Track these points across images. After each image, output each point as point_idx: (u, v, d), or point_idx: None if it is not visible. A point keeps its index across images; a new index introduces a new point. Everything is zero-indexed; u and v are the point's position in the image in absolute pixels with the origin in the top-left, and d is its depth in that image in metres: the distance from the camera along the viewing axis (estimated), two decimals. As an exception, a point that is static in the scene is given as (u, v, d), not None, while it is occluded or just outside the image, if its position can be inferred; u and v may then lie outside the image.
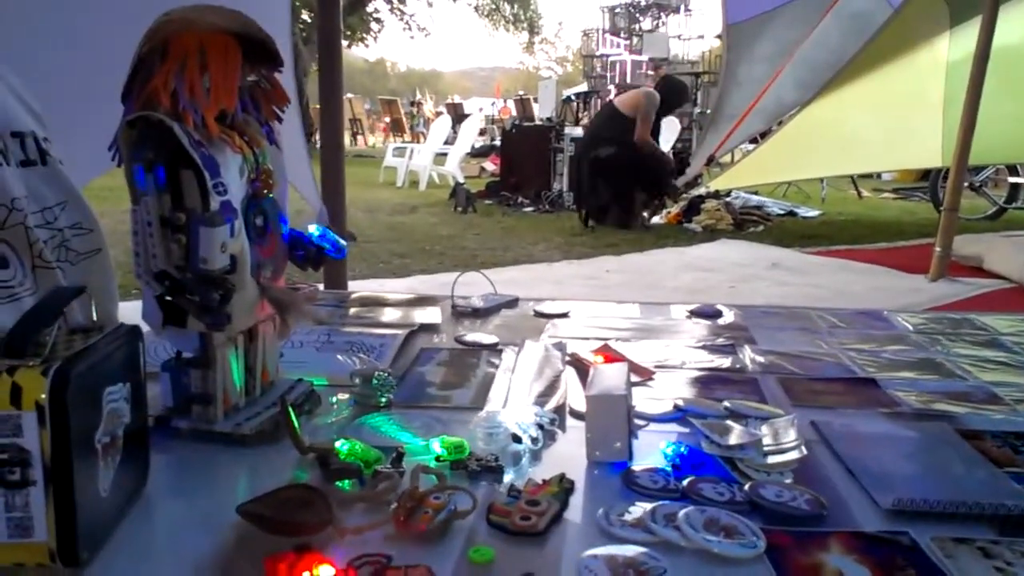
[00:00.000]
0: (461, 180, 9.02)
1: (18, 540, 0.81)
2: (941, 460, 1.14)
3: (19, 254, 1.26)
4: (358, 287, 3.67)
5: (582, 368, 1.51)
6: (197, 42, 1.07)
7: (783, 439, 1.17)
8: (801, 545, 0.92)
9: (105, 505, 0.90)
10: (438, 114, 16.31)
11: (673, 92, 6.41)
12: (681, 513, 0.95)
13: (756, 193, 8.07)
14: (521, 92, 16.52)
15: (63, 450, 0.81)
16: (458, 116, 14.31)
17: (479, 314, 1.95)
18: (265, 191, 1.20)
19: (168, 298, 1.11)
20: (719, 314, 1.99)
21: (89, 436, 0.86)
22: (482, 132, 14.06)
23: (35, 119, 1.38)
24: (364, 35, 21.19)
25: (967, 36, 5.36)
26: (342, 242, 1.34)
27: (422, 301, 2.09)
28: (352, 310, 2.00)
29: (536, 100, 13.44)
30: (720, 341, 1.75)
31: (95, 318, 1.00)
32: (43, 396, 0.79)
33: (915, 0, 5.90)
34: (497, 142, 11.90)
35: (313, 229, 1.32)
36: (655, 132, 6.62)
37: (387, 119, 18.13)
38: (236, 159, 1.14)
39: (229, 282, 1.10)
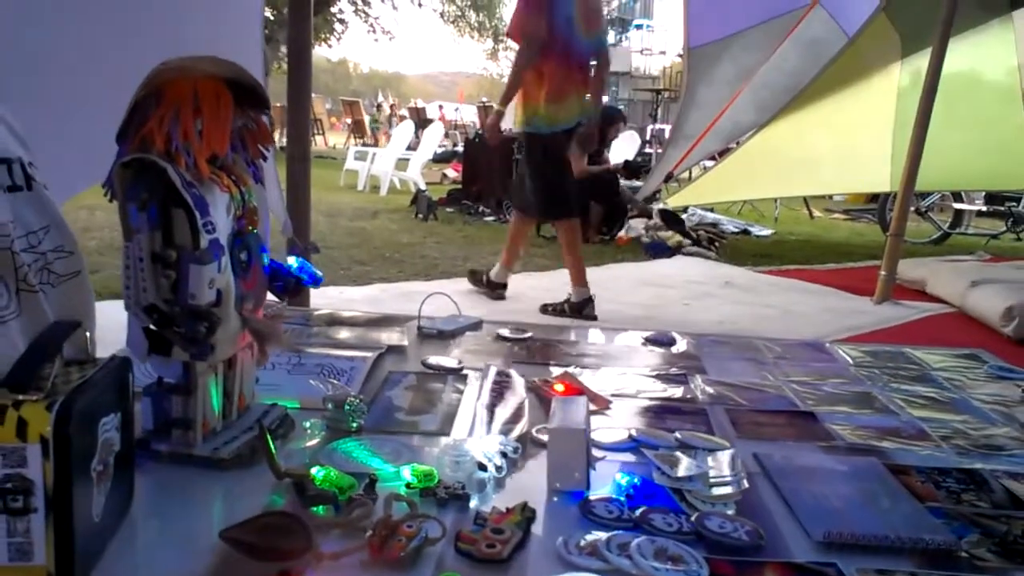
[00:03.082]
0: (423, 187, 9.07)
1: (18, 563, 0.87)
2: (869, 494, 1.25)
3: (4, 278, 1.30)
4: (319, 295, 3.70)
5: (543, 396, 1.60)
6: (191, 88, 1.13)
7: (727, 472, 1.27)
8: (740, 574, 1.01)
9: (97, 529, 0.96)
10: (401, 118, 16.31)
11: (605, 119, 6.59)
12: (633, 543, 1.04)
13: (712, 210, 8.26)
14: (484, 99, 16.61)
15: (64, 479, 0.87)
16: (421, 121, 14.34)
17: (444, 336, 2.02)
18: (250, 227, 1.27)
19: (155, 328, 1.17)
20: (673, 342, 2.09)
21: (86, 465, 0.92)
22: (445, 135, 14.11)
23: (20, 144, 1.42)
24: (328, 35, 21.10)
25: (917, 66, 5.59)
26: (319, 273, 1.41)
27: (388, 321, 2.16)
28: (317, 328, 2.06)
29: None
30: (673, 371, 1.85)
31: (90, 351, 1.05)
32: (48, 430, 0.85)
33: (869, 30, 6.13)
34: (459, 148, 11.96)
35: (292, 261, 1.39)
36: (602, 146, 6.76)
37: (348, 120, 18.09)
38: (224, 198, 1.20)
39: (215, 315, 1.16)
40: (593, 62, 3.94)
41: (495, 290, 4.22)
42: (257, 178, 1.30)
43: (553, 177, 3.96)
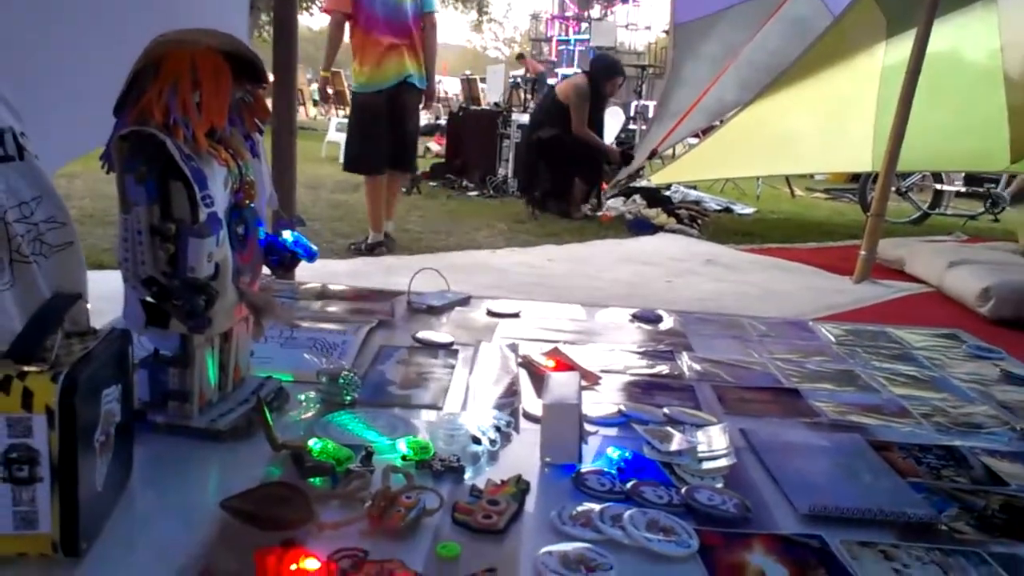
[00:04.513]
0: (406, 160, 9.02)
1: (23, 532, 0.88)
2: (852, 469, 1.29)
3: (-1, 249, 1.30)
4: (302, 269, 3.69)
5: (534, 371, 1.62)
6: (189, 61, 1.13)
7: (716, 446, 1.30)
8: (729, 545, 1.04)
9: (100, 499, 0.97)
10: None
11: (601, 68, 6.57)
12: (626, 514, 1.07)
13: (695, 188, 8.29)
14: (468, 72, 16.47)
15: (69, 449, 0.88)
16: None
17: (433, 311, 2.04)
18: (247, 201, 1.27)
19: (153, 301, 1.17)
20: (660, 319, 2.12)
21: (89, 436, 0.93)
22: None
23: (12, 114, 1.41)
24: (310, 3, 20.80)
25: (902, 47, 5.61)
26: (314, 248, 1.42)
27: (377, 296, 2.17)
28: (305, 303, 2.07)
29: (483, 81, 13.44)
30: (660, 348, 1.88)
31: (89, 322, 1.06)
32: (53, 400, 0.86)
33: (854, 9, 6.14)
34: (442, 121, 11.89)
35: (287, 235, 1.39)
36: (598, 123, 6.75)
37: (331, 91, 17.88)
38: (222, 172, 1.20)
39: (213, 288, 1.17)
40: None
41: (373, 251, 4.68)
42: (254, 152, 1.30)
43: (361, 133, 4.55)
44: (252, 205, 1.29)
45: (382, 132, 4.76)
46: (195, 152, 1.15)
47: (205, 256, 1.14)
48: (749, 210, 8.07)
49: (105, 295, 1.40)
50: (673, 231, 6.53)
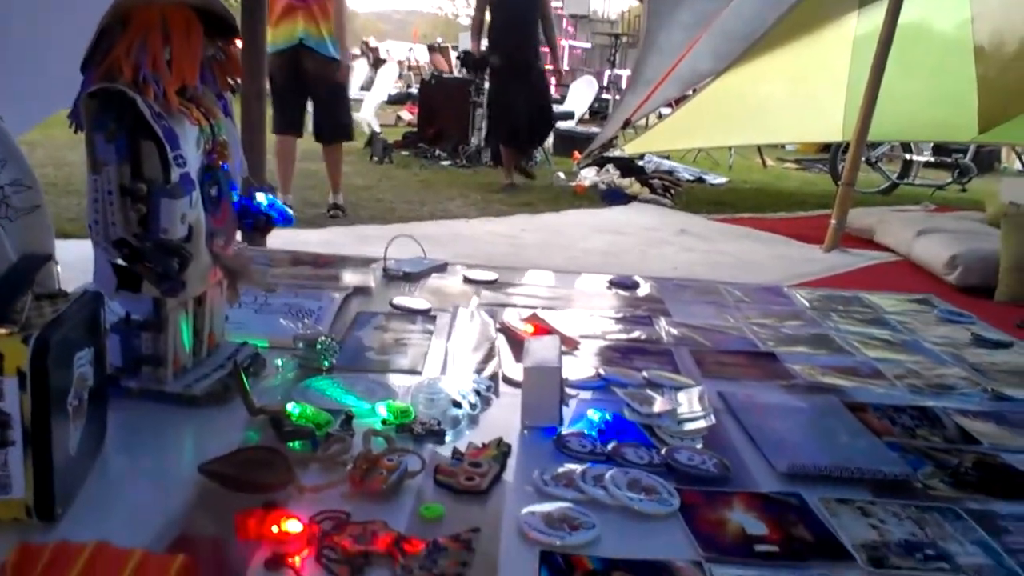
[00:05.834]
0: (377, 129, 8.93)
1: (-4, 497, 0.86)
2: (829, 429, 1.30)
3: (-37, 211, 1.26)
4: (273, 238, 3.64)
5: (512, 336, 1.61)
6: (159, 15, 1.09)
7: (695, 408, 1.31)
8: (709, 503, 1.05)
9: (74, 464, 0.95)
10: (354, 57, 15.89)
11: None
12: (608, 474, 1.07)
13: (668, 158, 8.30)
14: (439, 39, 16.27)
15: (42, 413, 0.86)
16: (375, 60, 14.02)
17: (410, 278, 2.02)
18: (220, 162, 1.24)
19: (124, 264, 1.15)
20: (636, 285, 2.12)
21: (62, 399, 0.91)
22: (399, 76, 13.83)
23: (-28, 75, 1.36)
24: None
25: (873, 17, 5.63)
26: (290, 211, 1.39)
27: (352, 262, 2.14)
28: (280, 269, 2.04)
29: (456, 49, 13.29)
30: (639, 313, 1.88)
31: (59, 285, 1.03)
32: (25, 362, 0.84)
33: (827, -23, 6.16)
34: (414, 90, 11.75)
35: (262, 198, 1.36)
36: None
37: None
38: (193, 131, 1.17)
39: (186, 251, 1.14)
40: None
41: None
42: (227, 111, 1.27)
43: (271, 94, 4.59)
44: (225, 166, 1.26)
45: (282, 95, 4.92)
46: (166, 110, 1.11)
47: (178, 217, 1.11)
48: (721, 180, 8.11)
49: (70, 264, 1.37)
50: (646, 201, 6.55)
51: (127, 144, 1.09)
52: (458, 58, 7.33)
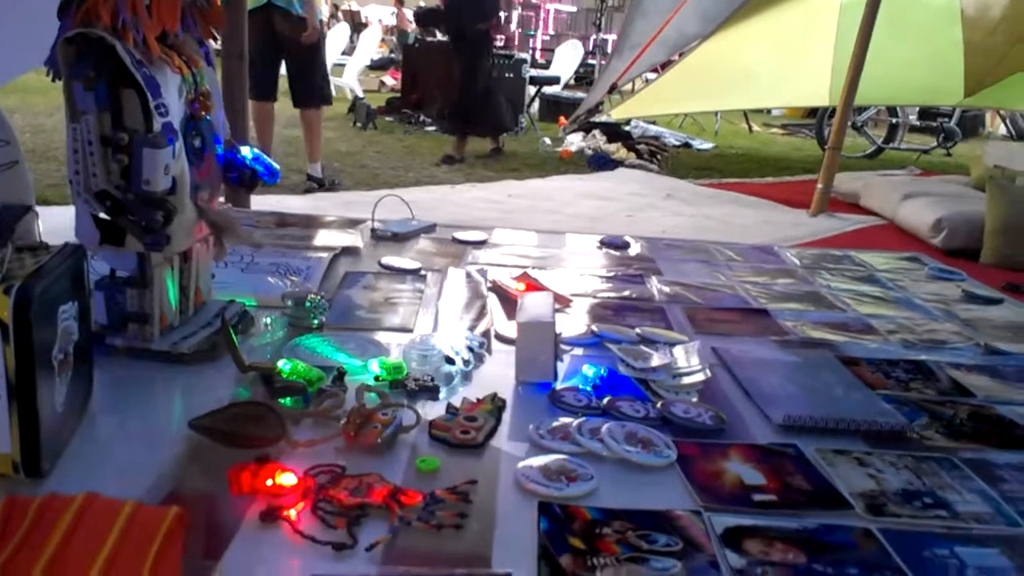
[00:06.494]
0: (360, 94, 8.80)
1: (-19, 452, 0.84)
2: (824, 383, 1.29)
3: (-63, 166, 1.22)
4: (259, 203, 3.60)
5: (504, 295, 1.59)
6: (138, -43, 1.05)
7: (690, 363, 1.30)
8: (706, 455, 1.04)
9: (60, 419, 0.93)
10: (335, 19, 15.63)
11: None
12: (604, 427, 1.06)
13: (654, 123, 8.25)
14: (422, 3, 16.02)
15: (27, 366, 0.83)
16: (356, 25, 13.79)
17: (398, 239, 1.99)
18: (203, 112, 1.21)
19: (107, 218, 1.11)
20: (627, 245, 2.10)
21: (47, 353, 0.88)
22: (382, 41, 13.63)
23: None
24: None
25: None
26: (275, 165, 1.36)
27: (339, 223, 2.11)
28: (266, 231, 2.00)
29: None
30: (630, 271, 1.86)
31: (40, 237, 1.00)
32: (7, 314, 0.81)
33: (815, -60, 6.08)
34: (396, 55, 11.60)
35: (246, 152, 1.33)
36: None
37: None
38: (175, 79, 1.14)
39: (170, 203, 1.11)
40: None
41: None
42: (209, 60, 1.23)
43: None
44: (208, 118, 1.22)
45: (256, 58, 4.61)
46: (147, 58, 1.08)
47: (161, 168, 1.08)
48: (708, 145, 8.08)
49: (52, 231, 1.33)
50: (633, 166, 6.52)
51: (107, 92, 1.05)
52: (415, 15, 7.10)
